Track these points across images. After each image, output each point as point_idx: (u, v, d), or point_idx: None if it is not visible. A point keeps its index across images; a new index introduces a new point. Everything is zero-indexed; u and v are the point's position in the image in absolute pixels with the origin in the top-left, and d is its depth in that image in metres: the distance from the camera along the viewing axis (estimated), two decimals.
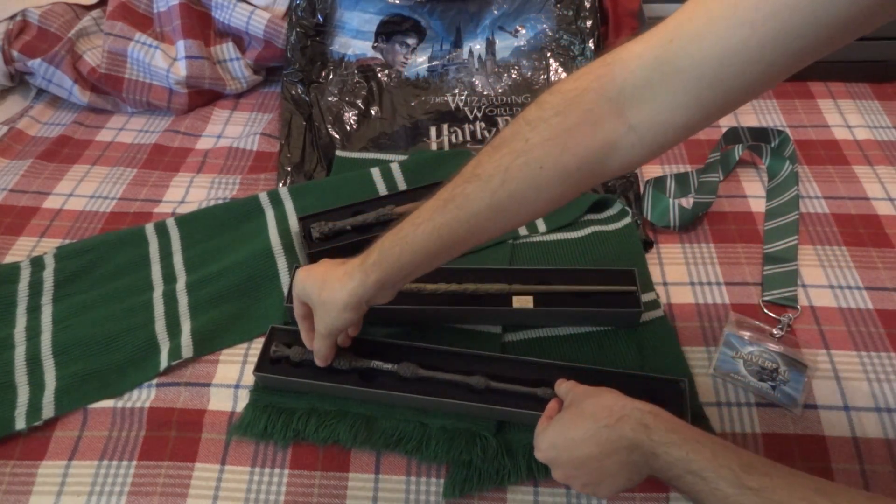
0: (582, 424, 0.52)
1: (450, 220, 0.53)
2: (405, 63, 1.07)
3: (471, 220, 0.53)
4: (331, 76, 1.06)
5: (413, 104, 1.03)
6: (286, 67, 1.05)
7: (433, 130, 1.00)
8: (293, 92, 1.04)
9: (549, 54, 1.07)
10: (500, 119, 1.01)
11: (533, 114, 0.51)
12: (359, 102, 1.03)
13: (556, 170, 0.50)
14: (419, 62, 1.08)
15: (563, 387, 0.60)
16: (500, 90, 1.05)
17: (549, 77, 1.06)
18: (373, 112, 1.03)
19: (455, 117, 1.02)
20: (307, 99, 1.03)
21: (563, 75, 1.06)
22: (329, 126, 1.00)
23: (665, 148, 0.50)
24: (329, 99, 1.03)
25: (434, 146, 0.98)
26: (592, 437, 0.51)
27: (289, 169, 0.94)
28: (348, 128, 1.00)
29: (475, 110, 1.02)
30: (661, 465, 0.48)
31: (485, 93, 1.05)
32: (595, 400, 0.54)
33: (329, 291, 0.58)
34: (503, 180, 0.51)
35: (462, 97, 1.04)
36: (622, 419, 0.50)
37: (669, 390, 0.63)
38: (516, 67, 1.07)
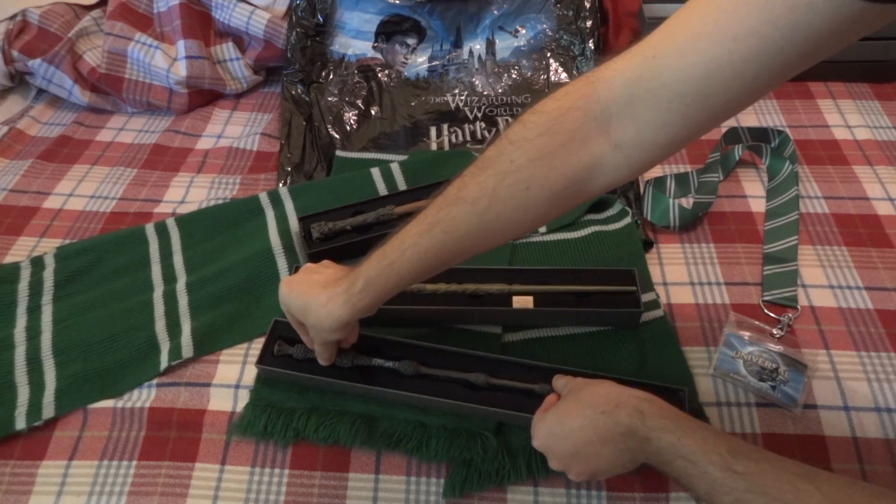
0: (580, 412, 0.53)
1: (436, 243, 0.53)
2: (405, 63, 1.07)
3: (458, 243, 0.53)
4: (331, 76, 1.06)
5: (413, 104, 1.03)
6: (286, 67, 1.06)
7: (433, 130, 1.00)
8: (293, 92, 1.04)
9: (549, 54, 1.07)
10: (500, 119, 1.01)
11: (517, 133, 0.50)
12: (359, 102, 1.03)
13: (542, 190, 0.50)
14: (419, 62, 1.08)
15: (561, 381, 0.60)
16: (500, 90, 1.05)
17: (549, 77, 1.06)
18: (373, 112, 1.03)
19: (455, 117, 1.02)
20: (307, 99, 1.04)
21: (563, 76, 1.06)
22: (329, 126, 1.00)
23: (651, 165, 0.50)
24: (329, 99, 1.03)
25: (434, 146, 0.98)
26: (590, 424, 0.52)
27: (289, 169, 0.94)
28: (348, 128, 1.00)
29: (475, 110, 1.02)
30: (653, 450, 0.49)
31: (485, 93, 1.05)
32: (593, 389, 0.55)
33: (315, 317, 0.58)
34: (490, 202, 0.50)
35: (462, 97, 1.04)
36: (619, 406, 0.51)
37: (669, 398, 0.63)
38: (516, 67, 1.07)
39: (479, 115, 1.02)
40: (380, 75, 1.06)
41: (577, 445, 0.52)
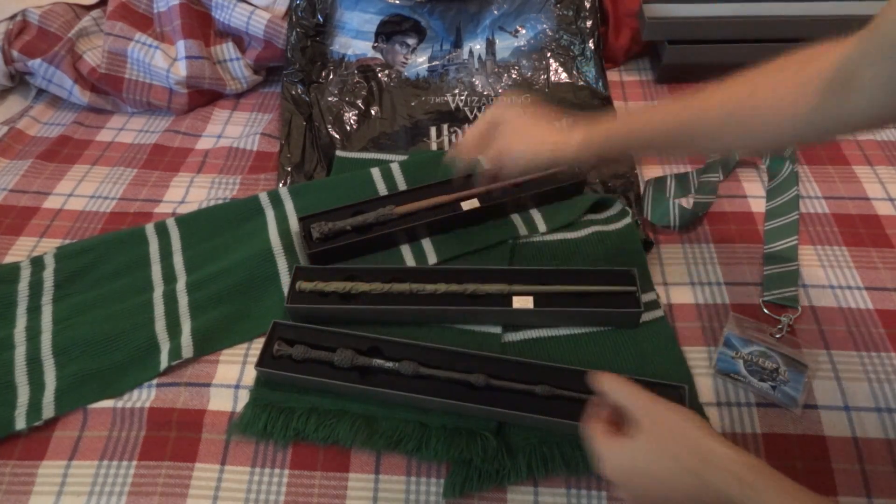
0: (662, 462, 0.47)
1: (682, 110, 0.56)
2: (405, 63, 1.07)
3: (708, 115, 0.55)
4: (331, 76, 1.06)
5: (413, 104, 1.03)
6: (286, 67, 1.06)
7: (433, 130, 1.00)
8: (293, 92, 1.04)
9: (549, 54, 1.07)
10: None
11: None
12: (359, 102, 1.03)
13: (797, 84, 0.51)
14: (419, 62, 1.08)
15: (621, 391, 0.52)
16: (500, 90, 1.05)
17: (549, 77, 1.06)
18: (373, 112, 1.03)
19: (455, 117, 1.02)
20: (307, 99, 1.04)
21: (563, 76, 1.06)
22: (329, 126, 1.00)
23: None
24: (329, 99, 1.03)
25: (434, 146, 0.98)
26: (674, 479, 0.46)
27: (289, 169, 0.94)
28: (348, 128, 1.00)
29: (475, 110, 1.03)
30: None
31: (485, 93, 1.05)
32: (674, 431, 0.48)
33: (537, 144, 0.63)
34: (752, 91, 0.53)
35: (462, 97, 1.04)
36: (711, 468, 0.45)
37: (669, 395, 0.63)
38: (516, 67, 1.07)
39: (479, 114, 1.02)
40: (380, 75, 1.06)
41: (654, 495, 0.47)
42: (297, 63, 1.05)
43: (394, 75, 1.07)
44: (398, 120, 1.02)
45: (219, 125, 1.06)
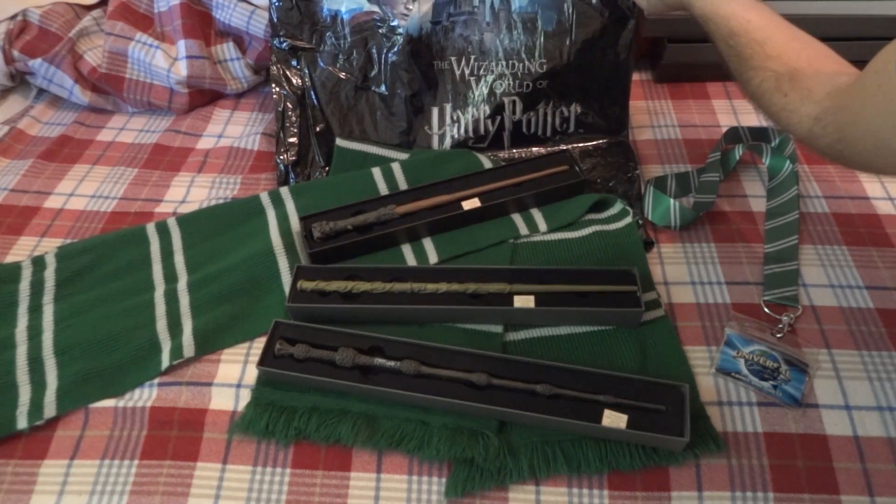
0: None
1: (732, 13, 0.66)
2: (407, 14, 0.94)
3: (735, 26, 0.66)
4: (323, 44, 0.97)
5: (414, 72, 0.95)
6: (272, 39, 0.96)
7: (435, 114, 0.96)
8: (281, 71, 0.97)
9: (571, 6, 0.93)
10: (506, 100, 0.94)
11: None
12: (355, 73, 0.96)
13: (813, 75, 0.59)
14: (423, 10, 0.94)
15: None
16: (510, 47, 0.93)
17: (573, 37, 0.93)
18: (371, 84, 0.96)
19: (458, 91, 0.95)
20: (297, 83, 0.97)
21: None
22: (324, 105, 0.96)
23: None
24: (322, 67, 0.96)
25: (435, 139, 0.96)
26: None
27: (283, 168, 0.93)
28: (344, 104, 0.97)
29: (481, 80, 0.94)
30: None
31: (494, 52, 0.93)
32: None
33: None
34: (770, 44, 0.62)
35: (468, 61, 0.94)
36: None
37: (670, 394, 0.63)
38: (534, 20, 0.93)
39: (486, 90, 0.95)
40: (379, 32, 0.95)
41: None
42: (283, 30, 0.96)
43: (394, 34, 0.95)
44: (398, 94, 0.95)
45: (219, 125, 1.06)
